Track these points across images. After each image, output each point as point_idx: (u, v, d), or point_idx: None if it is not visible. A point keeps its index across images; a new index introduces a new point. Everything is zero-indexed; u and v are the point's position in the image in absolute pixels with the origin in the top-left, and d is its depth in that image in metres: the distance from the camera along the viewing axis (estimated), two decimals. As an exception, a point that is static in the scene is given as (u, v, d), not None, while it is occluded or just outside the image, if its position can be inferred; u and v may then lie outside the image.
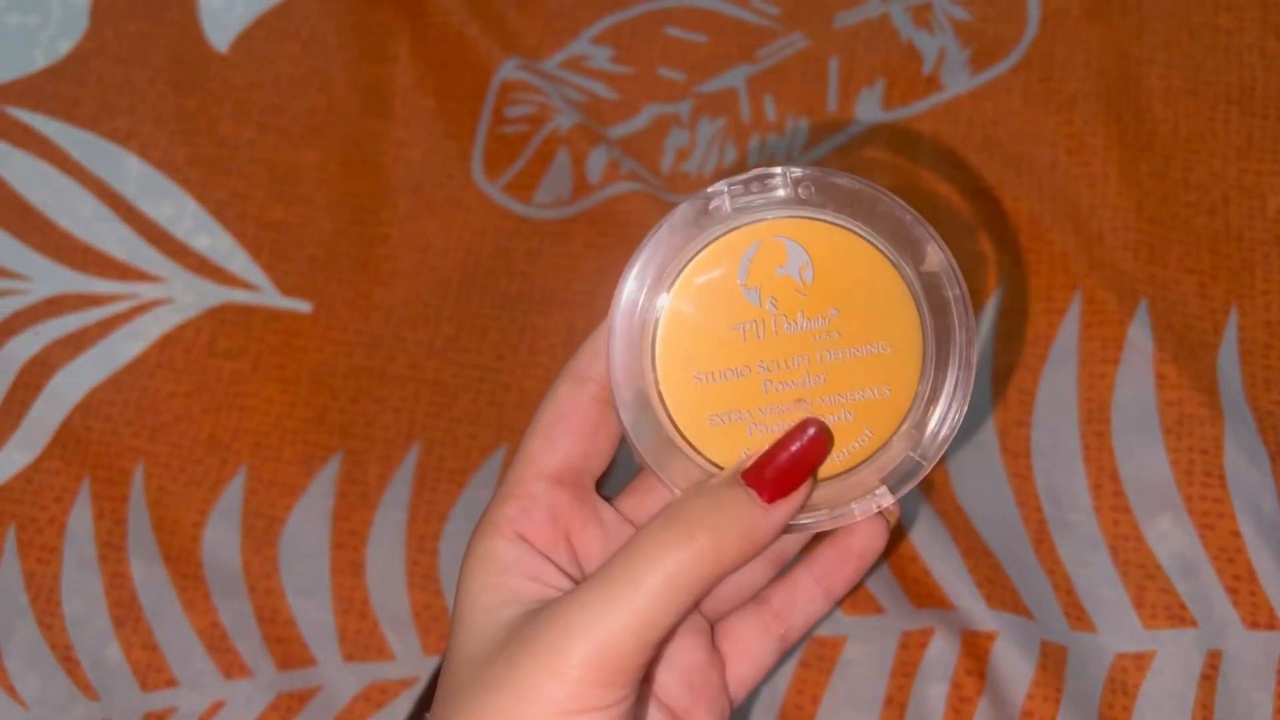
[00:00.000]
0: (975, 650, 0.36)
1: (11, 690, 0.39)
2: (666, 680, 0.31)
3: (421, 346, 0.43)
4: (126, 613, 0.40)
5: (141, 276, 0.45)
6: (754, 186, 0.28)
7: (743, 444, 0.28)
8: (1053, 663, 0.36)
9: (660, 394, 0.28)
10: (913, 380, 0.28)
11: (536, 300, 0.43)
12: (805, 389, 0.28)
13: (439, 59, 0.48)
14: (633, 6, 0.48)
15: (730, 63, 0.47)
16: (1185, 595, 0.37)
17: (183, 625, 0.40)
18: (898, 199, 0.28)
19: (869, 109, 0.45)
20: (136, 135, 0.47)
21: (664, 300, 0.28)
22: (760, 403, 0.28)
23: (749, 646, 0.32)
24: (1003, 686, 0.36)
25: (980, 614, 0.37)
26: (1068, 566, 0.38)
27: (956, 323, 0.28)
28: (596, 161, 0.44)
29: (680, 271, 0.28)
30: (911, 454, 0.28)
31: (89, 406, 0.43)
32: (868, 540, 0.32)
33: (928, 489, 0.39)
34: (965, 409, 0.28)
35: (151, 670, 0.39)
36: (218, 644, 0.39)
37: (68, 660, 0.39)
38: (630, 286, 0.28)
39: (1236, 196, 0.42)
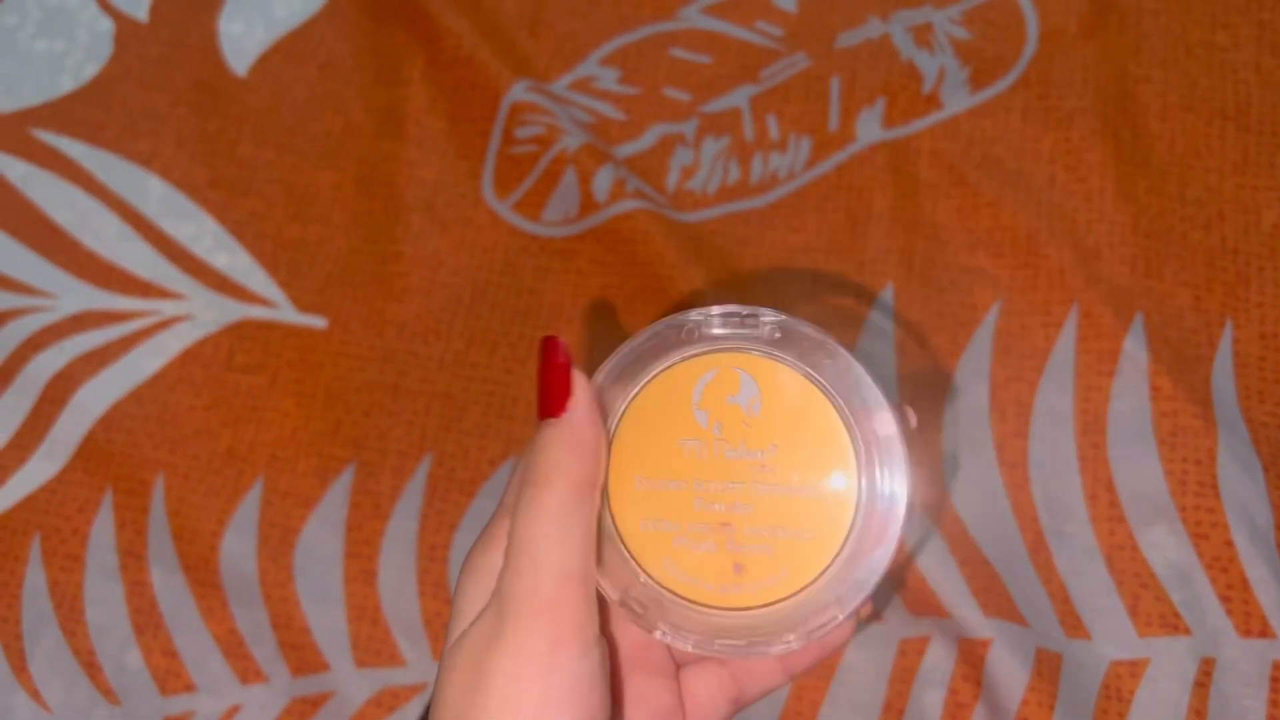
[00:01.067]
0: (971, 657, 0.37)
1: (36, 694, 0.40)
2: (638, 716, 0.31)
3: (433, 361, 0.44)
4: (147, 620, 0.41)
5: (163, 294, 0.46)
6: (734, 321, 0.29)
7: (667, 554, 0.29)
8: (1047, 669, 0.37)
9: (606, 485, 0.29)
10: (839, 531, 0.28)
11: (545, 315, 0.45)
12: (732, 514, 0.29)
13: (451, 82, 0.49)
14: (639, 29, 0.49)
15: (734, 83, 0.48)
16: (1179, 604, 0.37)
17: (201, 632, 0.41)
18: (857, 362, 0.29)
19: (869, 127, 0.46)
20: (158, 157, 0.49)
21: (622, 408, 0.29)
22: (689, 517, 0.29)
23: (703, 702, 0.32)
24: (998, 693, 0.36)
25: (976, 621, 0.37)
26: (1063, 575, 0.38)
27: (895, 483, 0.28)
28: (603, 180, 0.46)
29: (647, 382, 0.29)
30: (829, 601, 0.28)
31: (111, 420, 0.44)
32: (831, 638, 0.32)
33: (925, 500, 0.40)
34: (885, 568, 0.28)
35: (170, 675, 0.40)
36: (234, 650, 0.41)
37: (90, 666, 0.41)
38: (596, 388, 0.29)
39: (1232, 211, 0.43)
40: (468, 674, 0.27)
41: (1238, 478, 0.38)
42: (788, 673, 0.33)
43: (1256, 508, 0.38)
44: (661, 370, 0.29)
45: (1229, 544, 0.37)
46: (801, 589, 0.29)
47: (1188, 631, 0.37)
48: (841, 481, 0.28)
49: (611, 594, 0.28)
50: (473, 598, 0.28)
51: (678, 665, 0.32)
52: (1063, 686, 0.36)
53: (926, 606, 0.38)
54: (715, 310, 0.29)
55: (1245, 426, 0.39)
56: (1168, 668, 0.37)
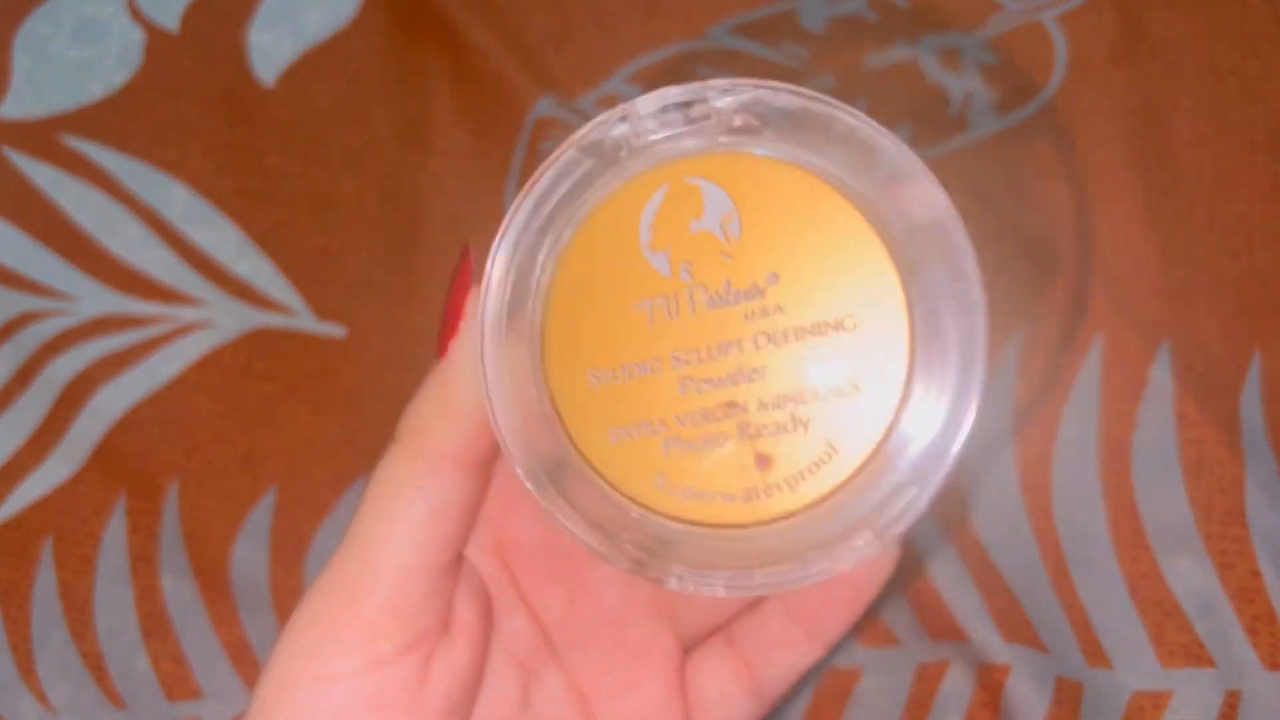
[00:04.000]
0: (990, 684, 0.36)
1: (42, 697, 0.40)
2: (609, 715, 0.26)
3: (451, 373, 0.44)
4: (156, 625, 0.41)
5: (183, 300, 0.46)
6: (673, 115, 0.21)
7: (657, 468, 0.21)
8: (1068, 698, 0.36)
9: (552, 400, 0.22)
10: (895, 371, 0.20)
11: (564, 330, 0.44)
12: (738, 388, 0.21)
13: (477, 96, 0.49)
14: (666, 47, 0.49)
15: (760, 103, 0.48)
16: (1203, 634, 0.37)
17: (210, 638, 0.41)
18: (870, 120, 0.20)
19: (895, 149, 0.46)
20: (185, 165, 0.49)
21: (547, 276, 0.22)
22: (677, 408, 0.21)
23: (713, 702, 0.26)
24: (1017, 721, 0.36)
25: (995, 647, 0.37)
26: (1085, 602, 0.38)
27: (960, 284, 0.20)
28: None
29: (567, 237, 0.22)
30: (902, 479, 0.21)
31: (128, 424, 0.44)
32: (862, 572, 0.24)
33: (942, 525, 0.40)
34: (974, 410, 0.20)
35: (178, 681, 0.40)
36: (243, 657, 0.40)
37: (98, 670, 0.40)
38: (500, 261, 0.22)
39: (1262, 240, 0.42)
40: (271, 683, 0.24)
41: (1265, 508, 0.38)
42: (813, 640, 0.26)
43: (1284, 539, 0.37)
44: (586, 212, 0.21)
45: (1256, 574, 0.37)
46: (859, 469, 0.20)
47: (1212, 663, 0.36)
48: (882, 301, 0.20)
49: (593, 545, 0.21)
50: None
51: (685, 646, 0.26)
52: (1084, 717, 0.36)
53: (945, 630, 0.38)
54: (644, 105, 0.21)
55: (1273, 457, 0.39)
56: (1192, 700, 0.36)
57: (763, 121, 0.20)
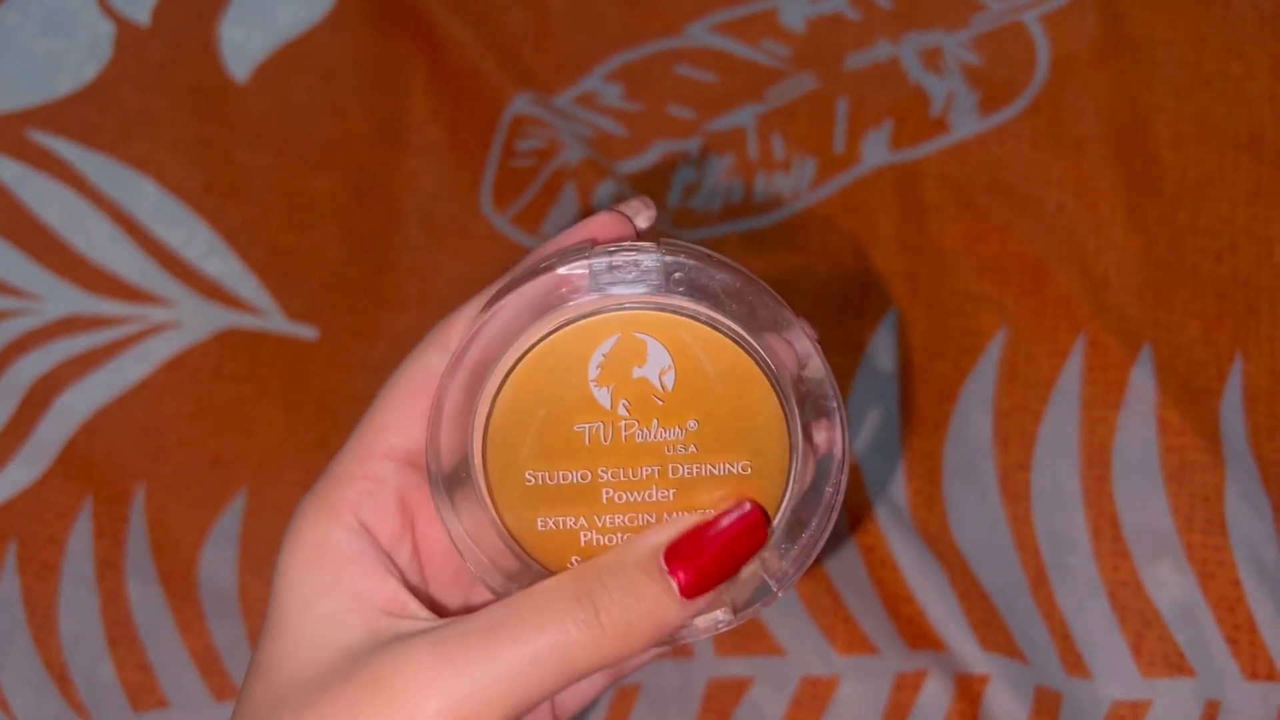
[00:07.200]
0: (968, 694, 0.36)
1: (5, 706, 0.39)
2: None
3: (425, 375, 0.43)
4: (122, 632, 0.40)
5: (151, 299, 0.45)
6: (621, 267, 0.24)
7: (574, 551, 0.25)
8: (1047, 708, 0.36)
9: (489, 489, 0.25)
10: (771, 506, 0.25)
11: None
12: (651, 503, 0.25)
13: (453, 93, 0.48)
14: (645, 45, 0.49)
15: (739, 102, 0.47)
16: (1184, 644, 0.36)
17: (176, 646, 0.40)
18: (782, 301, 0.25)
19: (876, 149, 0.45)
20: (154, 161, 0.48)
21: (499, 386, 0.25)
22: (598, 510, 0.25)
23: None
24: (996, 731, 0.35)
25: (974, 656, 0.36)
26: (1065, 611, 0.37)
27: (835, 443, 0.25)
28: (604, 196, 0.45)
29: (523, 356, 0.25)
30: (765, 578, 0.25)
31: (95, 426, 0.43)
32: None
33: (925, 531, 0.39)
34: (826, 535, 0.25)
35: (144, 691, 0.39)
36: (210, 666, 0.39)
37: (61, 679, 0.40)
38: (461, 368, 0.25)
39: (1244, 243, 0.42)
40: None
41: (1246, 516, 0.37)
42: (613, 676, 0.29)
43: (1265, 547, 0.37)
44: (544, 337, 0.24)
45: (1236, 583, 0.36)
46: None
47: (1192, 673, 0.36)
48: (773, 453, 0.25)
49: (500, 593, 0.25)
50: (318, 585, 0.25)
51: None
52: (1062, 726, 0.35)
53: (923, 639, 0.37)
54: (602, 260, 0.24)
55: (1255, 463, 0.38)
56: (1171, 710, 0.35)
57: (702, 288, 0.24)
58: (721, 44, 0.48)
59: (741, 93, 0.47)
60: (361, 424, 0.27)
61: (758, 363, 0.25)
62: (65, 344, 0.44)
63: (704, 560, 0.24)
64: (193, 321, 0.45)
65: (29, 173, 0.48)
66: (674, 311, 0.24)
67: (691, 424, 0.25)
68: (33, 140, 0.48)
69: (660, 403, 0.25)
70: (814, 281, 0.43)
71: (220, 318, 0.45)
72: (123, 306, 0.45)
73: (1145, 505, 0.38)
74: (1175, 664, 0.36)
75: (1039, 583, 0.38)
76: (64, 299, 0.45)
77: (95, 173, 0.47)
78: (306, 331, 0.44)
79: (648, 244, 0.25)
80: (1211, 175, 0.43)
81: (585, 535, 0.25)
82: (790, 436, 0.25)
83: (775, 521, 0.25)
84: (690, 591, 0.24)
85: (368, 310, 0.45)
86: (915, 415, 0.41)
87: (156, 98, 0.49)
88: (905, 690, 0.37)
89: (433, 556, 0.27)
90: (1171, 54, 0.46)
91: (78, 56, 0.51)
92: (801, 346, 0.25)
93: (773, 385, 0.25)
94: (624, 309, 0.24)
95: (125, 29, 0.51)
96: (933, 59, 0.47)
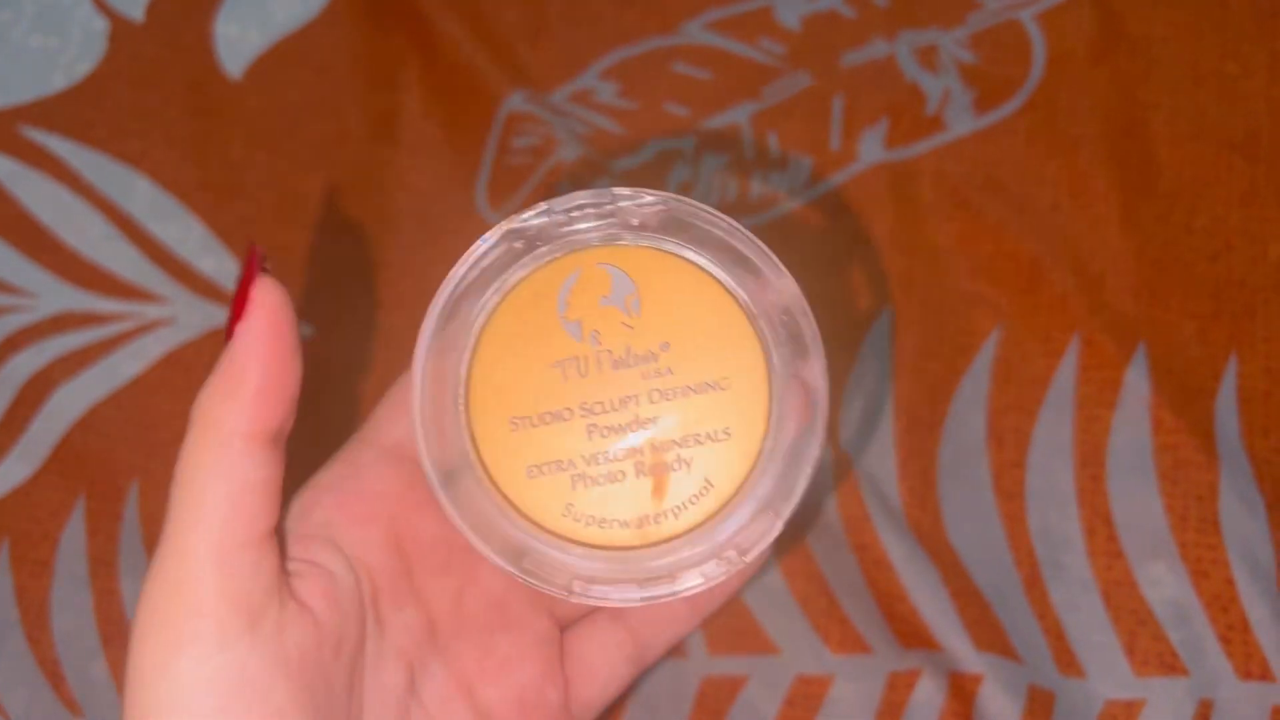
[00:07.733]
0: (962, 693, 0.36)
1: (-2, 704, 0.39)
2: (492, 695, 0.28)
3: (419, 372, 0.43)
4: (115, 630, 0.40)
5: (145, 297, 0.45)
6: (576, 212, 0.25)
7: (566, 499, 0.25)
8: (1040, 707, 0.36)
9: (474, 443, 0.26)
10: (758, 422, 0.25)
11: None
12: (635, 434, 0.25)
13: (448, 90, 0.48)
14: (641, 42, 0.49)
15: (735, 99, 0.47)
16: (1177, 643, 0.36)
17: (170, 644, 0.40)
18: (738, 225, 0.25)
19: (871, 147, 0.45)
20: (148, 157, 0.48)
21: (474, 340, 0.26)
22: (584, 450, 0.25)
23: (598, 669, 0.29)
24: (989, 730, 0.35)
25: (968, 656, 0.36)
26: (1058, 610, 0.37)
27: (810, 355, 0.25)
28: (599, 193, 0.45)
29: (494, 308, 0.26)
30: (761, 508, 0.25)
31: (89, 424, 0.43)
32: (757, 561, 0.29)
33: (919, 530, 0.39)
34: (819, 452, 0.25)
35: (137, 688, 0.39)
36: (204, 664, 0.39)
37: (55, 676, 0.40)
38: (431, 329, 0.26)
39: (1239, 243, 0.42)
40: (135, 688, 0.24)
41: (1240, 515, 0.37)
42: (698, 614, 0.29)
43: (1259, 547, 0.37)
44: (511, 286, 0.25)
45: (1230, 583, 0.36)
46: (729, 500, 0.25)
47: (1185, 672, 0.36)
48: (749, 367, 0.25)
49: (503, 565, 0.25)
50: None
51: (560, 628, 0.29)
52: (1056, 726, 0.35)
53: (917, 638, 0.37)
54: (561, 205, 0.25)
55: (1249, 463, 0.38)
56: (1164, 709, 0.35)
57: (657, 225, 0.25)
58: (717, 42, 0.48)
59: (737, 90, 0.47)
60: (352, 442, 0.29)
61: (724, 286, 0.25)
62: (59, 341, 0.44)
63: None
64: (187, 319, 0.45)
65: (22, 169, 0.47)
66: (632, 244, 0.25)
67: (663, 345, 0.25)
68: (26, 137, 0.48)
69: (630, 328, 0.25)
70: (809, 280, 0.43)
71: (215, 315, 0.45)
72: (117, 304, 0.45)
73: (1139, 504, 0.38)
74: (1169, 663, 0.36)
75: (1033, 582, 0.38)
76: (57, 296, 0.45)
77: (89, 169, 0.47)
78: (301, 330, 0.44)
79: (616, 189, 0.25)
80: (1207, 175, 0.43)
81: (575, 479, 0.25)
82: (766, 357, 0.25)
83: (762, 446, 0.25)
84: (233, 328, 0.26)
85: (362, 308, 0.45)
86: (909, 414, 0.41)
87: (151, 94, 0.49)
88: (899, 689, 0.37)
89: (420, 545, 0.28)
90: (1168, 52, 0.46)
91: (71, 53, 0.51)
92: (781, 284, 0.25)
93: (741, 307, 0.25)
94: (589, 248, 0.25)
95: (119, 25, 0.50)
96: (928, 57, 0.47)
